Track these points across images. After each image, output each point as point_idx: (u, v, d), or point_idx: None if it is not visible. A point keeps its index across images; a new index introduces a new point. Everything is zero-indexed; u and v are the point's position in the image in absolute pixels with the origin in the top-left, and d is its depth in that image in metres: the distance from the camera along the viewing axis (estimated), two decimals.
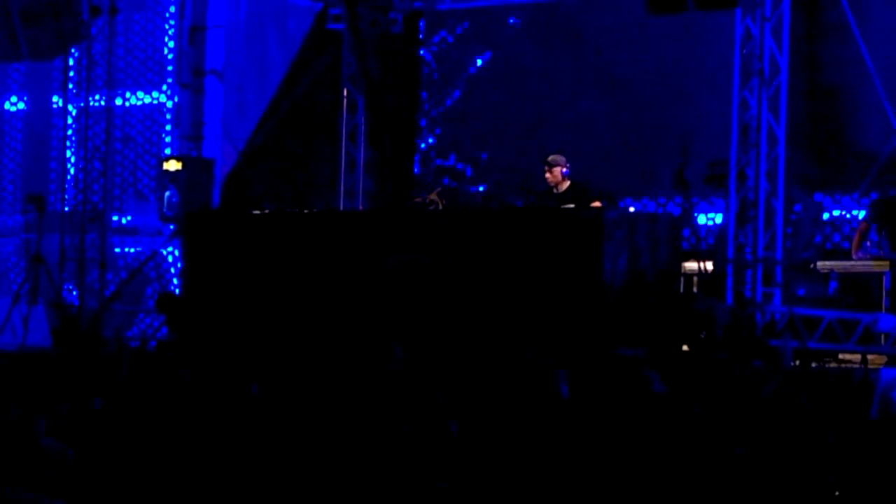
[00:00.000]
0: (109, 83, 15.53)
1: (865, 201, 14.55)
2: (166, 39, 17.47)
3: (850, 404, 8.77)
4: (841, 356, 13.15)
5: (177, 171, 16.09)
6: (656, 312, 12.13)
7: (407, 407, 4.63)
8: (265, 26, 17.79)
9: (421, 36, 17.59)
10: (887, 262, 13.67)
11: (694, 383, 6.94)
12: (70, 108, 16.55)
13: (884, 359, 12.88)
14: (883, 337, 13.03)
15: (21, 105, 18.44)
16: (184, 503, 4.50)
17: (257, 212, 14.17)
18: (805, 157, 14.88)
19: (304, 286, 12.81)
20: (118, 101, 16.91)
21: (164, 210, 16.18)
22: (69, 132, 16.12)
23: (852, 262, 14.03)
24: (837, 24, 14.49)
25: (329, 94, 17.02)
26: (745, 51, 13.57)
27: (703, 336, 12.61)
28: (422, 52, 17.62)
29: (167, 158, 16.42)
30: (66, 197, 15.66)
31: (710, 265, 13.67)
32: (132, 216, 17.39)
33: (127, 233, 17.30)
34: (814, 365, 12.90)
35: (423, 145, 17.58)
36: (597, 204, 12.92)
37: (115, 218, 17.05)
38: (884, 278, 13.52)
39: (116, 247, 17.02)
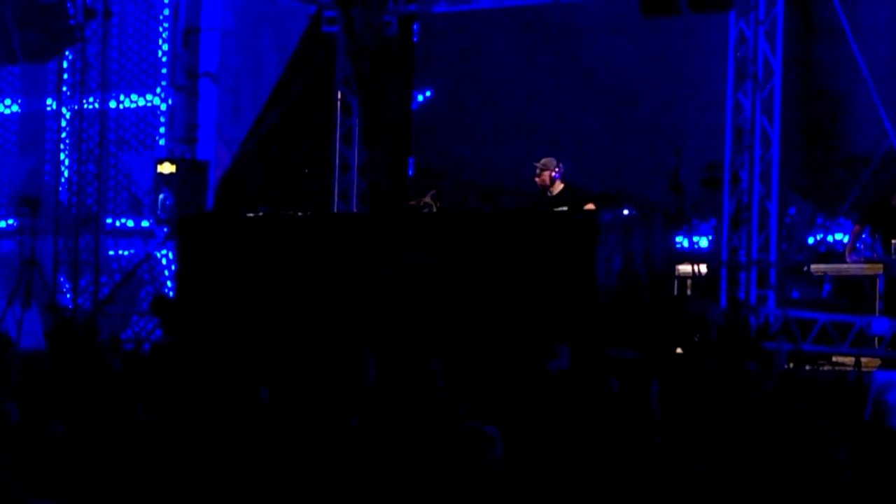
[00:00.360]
0: (103, 86, 15.52)
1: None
2: (160, 42, 17.46)
3: (843, 407, 8.77)
4: (835, 359, 13.17)
5: (171, 173, 16.08)
6: (650, 315, 12.13)
7: (377, 414, 4.61)
8: (259, 29, 17.79)
9: (415, 39, 17.58)
10: (881, 265, 13.68)
11: (687, 385, 6.95)
12: (64, 110, 16.54)
13: (877, 361, 12.90)
14: (877, 340, 13.04)
15: (15, 108, 18.43)
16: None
17: (251, 214, 14.16)
18: (798, 161, 14.91)
19: (297, 289, 12.81)
20: (112, 104, 16.90)
21: (159, 212, 16.17)
22: (63, 135, 16.10)
23: (846, 265, 14.05)
24: (831, 27, 14.50)
25: (323, 97, 17.02)
26: (738, 53, 13.58)
27: (697, 338, 12.63)
28: (416, 54, 17.62)
29: (161, 161, 16.41)
30: (60, 199, 15.65)
31: (703, 268, 13.69)
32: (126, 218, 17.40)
33: (121, 235, 17.29)
34: (807, 367, 12.92)
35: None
36: (590, 206, 12.93)
37: (108, 220, 17.04)
38: (877, 281, 13.54)
39: (110, 249, 17.01)
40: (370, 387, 4.61)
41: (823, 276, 13.93)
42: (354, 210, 16.57)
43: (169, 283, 16.78)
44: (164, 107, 17.41)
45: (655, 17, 14.12)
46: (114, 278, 16.90)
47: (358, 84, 16.87)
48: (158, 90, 17.43)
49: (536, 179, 13.45)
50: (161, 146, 17.35)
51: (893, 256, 13.69)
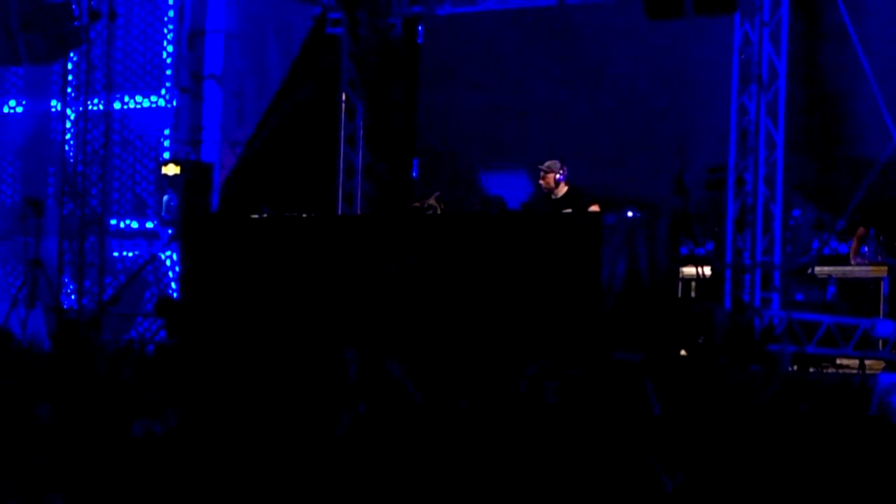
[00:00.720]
0: (108, 87, 15.51)
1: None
2: (165, 44, 17.47)
3: (847, 409, 8.77)
4: (839, 361, 13.17)
5: (175, 175, 16.09)
6: (654, 317, 12.13)
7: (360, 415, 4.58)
8: (264, 31, 17.80)
9: (420, 41, 17.59)
10: (885, 267, 13.68)
11: (691, 388, 6.95)
12: (69, 111, 16.54)
13: (882, 364, 12.89)
14: (881, 342, 13.03)
15: (20, 109, 18.45)
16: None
17: (255, 216, 14.17)
18: (802, 163, 14.89)
19: (301, 291, 12.81)
20: (117, 105, 16.91)
21: (163, 214, 16.18)
22: (67, 136, 16.11)
23: (850, 267, 14.04)
24: (835, 30, 14.50)
25: (327, 99, 17.02)
26: (743, 56, 13.57)
27: (701, 341, 12.62)
28: (420, 55, 17.63)
29: (166, 162, 16.41)
30: (65, 200, 15.66)
31: (707, 270, 13.68)
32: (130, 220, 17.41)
33: (125, 236, 17.30)
34: (812, 370, 12.91)
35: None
36: (595, 208, 12.92)
37: (113, 222, 17.05)
38: (882, 283, 13.53)
39: (115, 251, 17.02)
40: (353, 388, 4.58)
41: (828, 279, 13.92)
42: (358, 212, 16.57)
43: (173, 285, 16.79)
44: (168, 108, 17.42)
45: (660, 20, 14.12)
46: (118, 279, 16.92)
47: (362, 86, 16.88)
48: (163, 92, 17.44)
49: (541, 182, 13.45)
50: (165, 148, 17.36)
51: None
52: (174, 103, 17.39)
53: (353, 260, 12.68)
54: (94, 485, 4.52)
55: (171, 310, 14.34)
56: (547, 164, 13.45)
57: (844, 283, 13.82)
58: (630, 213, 12.38)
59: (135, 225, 17.45)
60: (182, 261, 15.65)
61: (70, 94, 15.89)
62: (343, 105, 16.88)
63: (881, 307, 13.43)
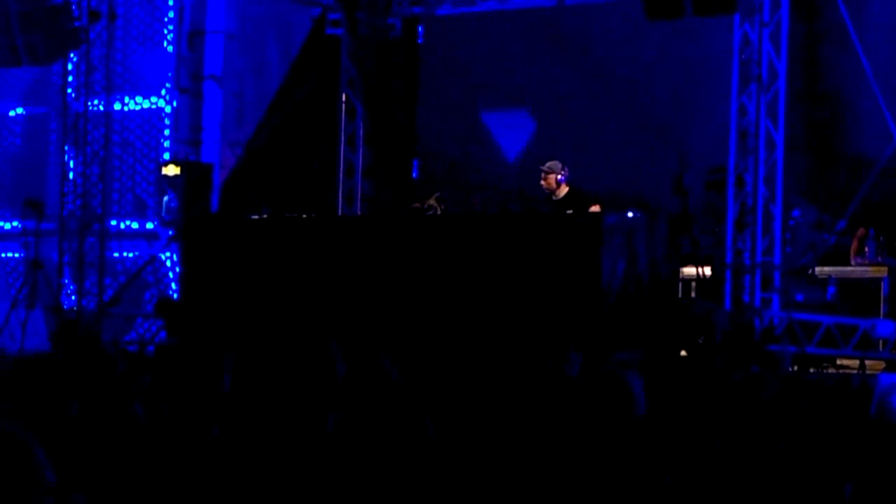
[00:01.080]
0: (108, 88, 15.52)
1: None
2: (165, 44, 17.47)
3: (847, 410, 8.76)
4: (839, 361, 13.16)
5: (175, 175, 16.08)
6: (654, 317, 12.13)
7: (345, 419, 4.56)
8: (264, 31, 17.80)
9: (420, 41, 17.59)
10: (885, 268, 13.67)
11: (691, 388, 6.95)
12: (69, 112, 16.54)
13: (882, 364, 12.89)
14: (881, 342, 13.03)
15: (20, 109, 18.44)
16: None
17: (255, 216, 14.17)
18: (803, 164, 14.89)
19: (301, 291, 12.81)
20: (117, 106, 16.90)
21: (163, 215, 16.18)
22: (68, 137, 16.10)
23: (851, 268, 14.04)
24: (835, 30, 14.50)
25: (327, 99, 17.02)
26: (743, 56, 13.57)
27: (701, 341, 12.62)
28: (420, 56, 17.63)
29: (166, 163, 16.41)
30: (65, 201, 15.66)
31: (708, 270, 13.68)
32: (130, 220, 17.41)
33: (125, 237, 17.30)
34: (812, 370, 12.91)
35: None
36: (595, 208, 12.92)
37: (113, 223, 17.04)
38: (882, 284, 13.53)
39: (115, 251, 17.01)
40: (340, 384, 4.56)
41: (828, 279, 13.92)
42: (359, 213, 16.57)
43: (173, 285, 16.78)
44: (168, 109, 17.41)
45: (660, 20, 14.11)
46: (118, 280, 16.91)
47: (362, 86, 16.88)
48: (163, 92, 17.44)
49: (542, 182, 13.46)
50: (165, 148, 17.36)
51: None
52: (174, 104, 17.38)
53: (352, 260, 12.68)
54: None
55: (171, 310, 14.34)
56: (548, 164, 13.47)
57: (844, 283, 13.82)
58: (630, 214, 12.39)
59: (135, 225, 17.45)
60: (182, 261, 15.64)
61: (70, 94, 15.90)
62: (343, 105, 16.89)
63: (881, 307, 13.43)
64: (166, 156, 17.15)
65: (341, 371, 4.57)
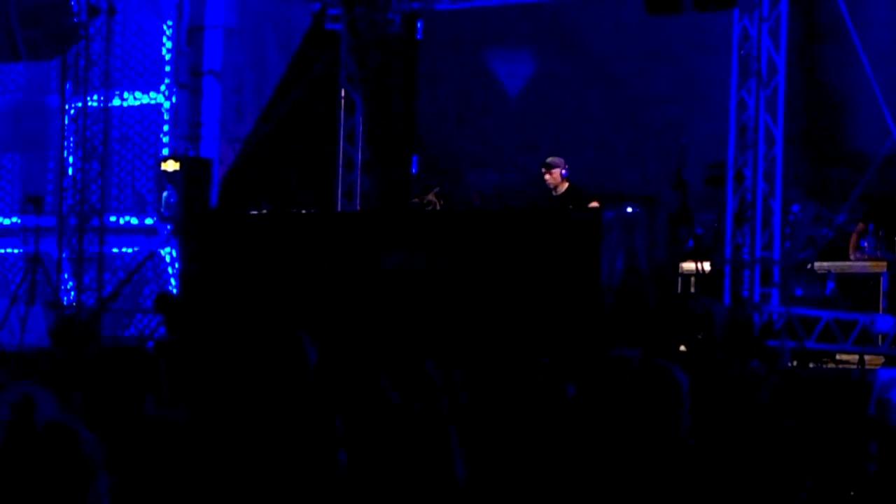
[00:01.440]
0: (107, 83, 15.51)
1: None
2: (164, 40, 17.46)
3: (846, 405, 8.77)
4: (838, 357, 13.16)
5: (174, 171, 16.08)
6: (654, 313, 12.13)
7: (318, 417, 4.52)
8: (263, 27, 17.79)
9: (419, 36, 17.58)
10: (884, 263, 13.67)
11: (691, 384, 6.94)
12: (68, 107, 16.55)
13: (881, 359, 12.89)
14: (880, 337, 13.03)
15: (18, 105, 18.43)
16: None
17: (255, 212, 14.17)
18: (802, 159, 14.90)
19: (301, 286, 12.81)
20: (116, 101, 16.89)
21: (162, 210, 16.17)
22: (66, 132, 16.10)
23: (850, 263, 14.03)
24: (835, 25, 14.49)
25: (327, 95, 17.01)
26: (742, 51, 13.56)
27: (700, 336, 12.62)
28: (419, 51, 17.63)
29: (165, 159, 16.41)
30: (64, 197, 15.65)
31: (707, 265, 13.68)
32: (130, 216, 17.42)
33: (124, 233, 17.30)
34: (811, 365, 12.91)
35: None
36: (594, 204, 12.94)
37: (112, 218, 17.04)
38: (881, 279, 13.52)
39: (114, 247, 17.01)
40: (312, 375, 4.51)
41: (827, 274, 13.91)
42: (358, 208, 16.57)
43: (172, 281, 16.79)
44: (167, 104, 17.41)
45: (659, 15, 14.11)
46: (117, 276, 16.90)
47: (361, 82, 16.87)
48: (162, 88, 17.43)
49: (547, 177, 13.52)
50: (164, 144, 17.36)
51: None
52: (173, 99, 17.38)
53: (352, 256, 12.69)
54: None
55: (170, 306, 14.33)
56: (551, 159, 13.53)
57: (844, 278, 13.81)
58: (629, 209, 12.39)
59: (134, 221, 17.45)
60: (181, 257, 15.66)
61: (69, 90, 15.89)
62: (342, 101, 16.88)
63: (881, 302, 13.43)
64: (165, 151, 17.14)
65: (312, 359, 4.54)
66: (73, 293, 15.65)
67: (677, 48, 15.77)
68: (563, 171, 13.45)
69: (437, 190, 13.35)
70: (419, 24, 17.54)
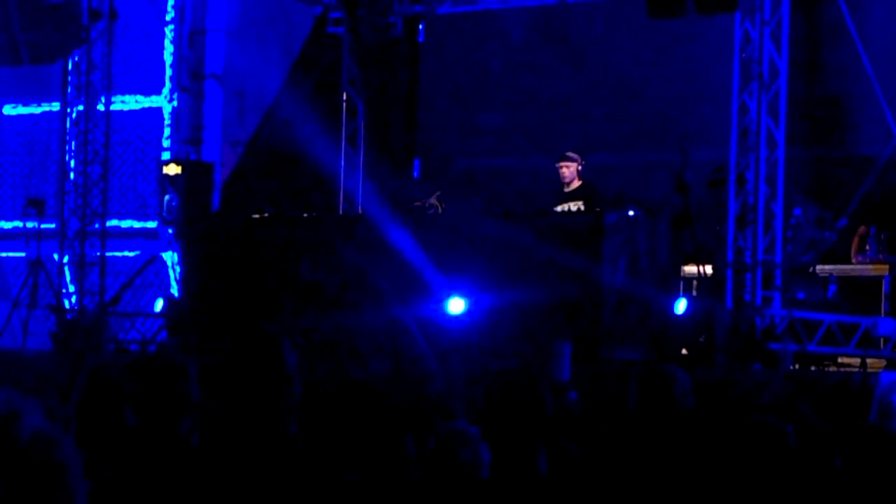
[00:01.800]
0: (109, 87, 15.51)
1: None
2: (166, 43, 17.47)
3: (849, 408, 8.77)
4: (840, 360, 13.15)
5: (176, 174, 16.08)
6: (655, 316, 12.13)
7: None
8: (265, 30, 17.79)
9: (421, 39, 17.59)
10: (886, 266, 13.67)
11: (693, 387, 6.95)
12: (70, 111, 16.55)
13: (883, 362, 12.88)
14: (882, 340, 13.03)
15: (21, 109, 18.45)
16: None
17: (256, 215, 14.17)
18: (804, 162, 14.89)
19: (302, 289, 12.81)
20: (118, 105, 16.90)
21: (164, 214, 16.17)
22: (68, 136, 16.11)
23: (852, 266, 14.03)
24: (836, 29, 14.50)
25: (329, 98, 17.02)
26: (744, 55, 13.56)
27: (702, 340, 12.62)
28: (421, 54, 17.64)
29: (167, 162, 16.41)
30: (66, 200, 15.66)
31: (709, 269, 13.67)
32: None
33: (126, 236, 17.30)
34: (813, 369, 12.91)
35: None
36: (579, 205, 13.03)
37: (114, 222, 17.05)
38: (883, 282, 13.52)
39: (116, 250, 17.02)
40: (292, 377, 4.51)
41: (829, 277, 13.91)
42: (360, 212, 16.57)
43: (174, 284, 16.79)
44: (169, 108, 17.42)
45: (661, 19, 14.12)
46: (119, 279, 16.90)
47: (363, 85, 16.88)
48: (164, 91, 17.44)
49: (563, 171, 13.61)
50: (166, 147, 17.36)
51: None
52: (175, 103, 17.39)
53: (353, 258, 12.68)
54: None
55: (172, 309, 14.34)
56: (569, 153, 13.64)
57: (846, 281, 13.81)
58: (631, 212, 12.40)
59: (136, 225, 17.45)
60: (183, 260, 15.65)
61: (71, 93, 15.90)
62: (344, 104, 16.88)
63: (882, 306, 13.43)
64: (167, 155, 17.15)
65: (292, 364, 4.54)
66: (74, 297, 15.64)
67: (679, 51, 15.77)
68: (579, 167, 13.59)
69: (438, 193, 13.36)
70: (421, 28, 17.55)
